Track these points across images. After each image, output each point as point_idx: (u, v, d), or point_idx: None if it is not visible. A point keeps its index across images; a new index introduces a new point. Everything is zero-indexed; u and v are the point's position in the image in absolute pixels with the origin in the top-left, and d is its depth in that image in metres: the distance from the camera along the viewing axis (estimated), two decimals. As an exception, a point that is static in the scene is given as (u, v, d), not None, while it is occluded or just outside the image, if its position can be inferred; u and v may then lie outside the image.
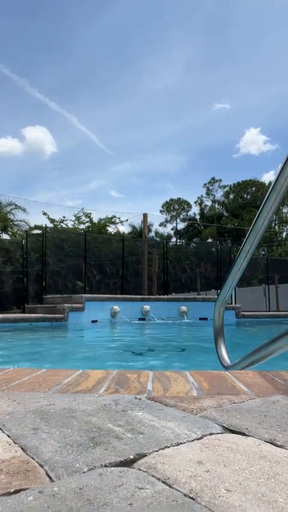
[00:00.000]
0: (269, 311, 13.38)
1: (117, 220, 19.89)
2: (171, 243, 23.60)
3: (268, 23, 48.43)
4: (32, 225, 17.83)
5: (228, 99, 54.99)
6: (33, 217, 18.04)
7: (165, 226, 43.53)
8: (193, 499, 0.66)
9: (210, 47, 51.17)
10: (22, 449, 0.87)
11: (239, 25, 48.35)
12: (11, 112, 52.69)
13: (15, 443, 0.91)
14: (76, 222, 19.05)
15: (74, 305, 8.54)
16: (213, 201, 44.30)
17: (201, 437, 0.94)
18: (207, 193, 44.87)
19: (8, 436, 0.95)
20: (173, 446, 0.89)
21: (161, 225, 41.89)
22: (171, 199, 46.63)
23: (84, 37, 47.51)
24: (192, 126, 56.99)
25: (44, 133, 52.37)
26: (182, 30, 49.40)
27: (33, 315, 8.37)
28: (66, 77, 53.01)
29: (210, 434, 0.97)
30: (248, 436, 0.96)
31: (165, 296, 12.52)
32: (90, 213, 19.18)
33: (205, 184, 44.97)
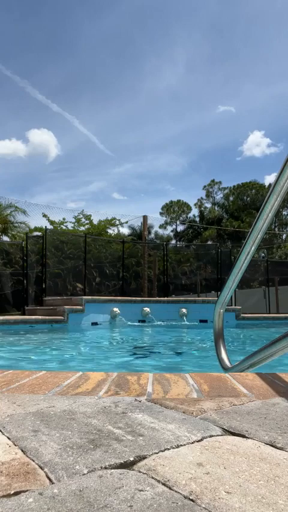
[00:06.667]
0: (269, 313, 13.37)
1: (117, 222, 19.93)
2: (171, 245, 23.60)
3: (272, 23, 48.30)
4: (32, 227, 17.86)
5: (232, 101, 54.81)
6: (34, 219, 18.04)
7: (165, 228, 43.57)
8: (193, 501, 0.66)
9: (214, 47, 50.97)
10: (22, 451, 0.87)
11: (242, 25, 48.23)
12: (12, 114, 52.69)
13: (15, 445, 0.91)
14: (76, 224, 19.08)
15: (74, 307, 8.53)
16: (213, 203, 44.35)
17: (201, 440, 0.94)
18: (207, 196, 44.93)
19: (8, 438, 0.95)
20: (173, 448, 0.89)
21: (160, 227, 41.93)
22: (171, 201, 46.68)
23: (85, 37, 47.40)
24: (194, 127, 56.91)
25: (45, 134, 52.45)
26: (185, 30, 49.31)
27: (33, 317, 8.36)
28: (67, 77, 52.96)
29: (210, 436, 0.97)
30: (248, 438, 0.96)
31: (165, 298, 12.51)
32: (90, 215, 19.22)
33: (205, 187, 45.02)
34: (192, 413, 1.15)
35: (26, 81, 50.20)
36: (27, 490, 0.70)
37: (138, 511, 0.63)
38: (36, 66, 49.78)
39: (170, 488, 0.70)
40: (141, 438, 0.94)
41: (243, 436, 0.97)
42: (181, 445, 0.91)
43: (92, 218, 19.29)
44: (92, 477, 0.75)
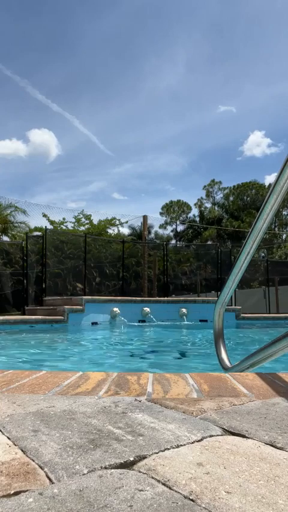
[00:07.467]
0: (269, 313, 13.38)
1: (117, 222, 19.94)
2: (171, 245, 23.60)
3: (272, 23, 48.13)
4: (32, 227, 17.86)
5: (232, 101, 54.65)
6: (34, 219, 18.06)
7: (165, 228, 43.54)
8: (193, 501, 0.66)
9: (214, 47, 50.78)
10: (22, 451, 0.87)
11: (242, 25, 48.07)
12: (12, 114, 52.61)
13: (15, 445, 0.91)
14: (76, 224, 19.09)
15: (74, 307, 8.53)
16: (213, 203, 44.34)
17: (201, 440, 0.94)
18: (207, 196, 44.92)
19: (8, 438, 0.95)
20: (173, 448, 0.89)
21: (160, 227, 41.89)
22: (171, 201, 46.68)
23: (85, 37, 47.24)
24: (195, 127, 56.77)
25: (45, 134, 52.42)
26: (186, 30, 49.16)
27: (33, 317, 8.36)
28: (67, 77, 52.86)
29: (210, 436, 0.97)
30: (248, 438, 0.96)
31: (165, 298, 12.51)
32: (90, 215, 19.24)
33: (205, 187, 45.00)
34: (192, 413, 1.15)
35: (26, 81, 50.21)
36: (27, 490, 0.70)
37: (138, 511, 0.63)
38: (36, 66, 49.76)
39: (170, 488, 0.70)
40: (141, 438, 0.94)
41: (243, 436, 0.97)
42: (181, 445, 0.91)
43: (92, 218, 19.32)
44: (92, 477, 0.75)
